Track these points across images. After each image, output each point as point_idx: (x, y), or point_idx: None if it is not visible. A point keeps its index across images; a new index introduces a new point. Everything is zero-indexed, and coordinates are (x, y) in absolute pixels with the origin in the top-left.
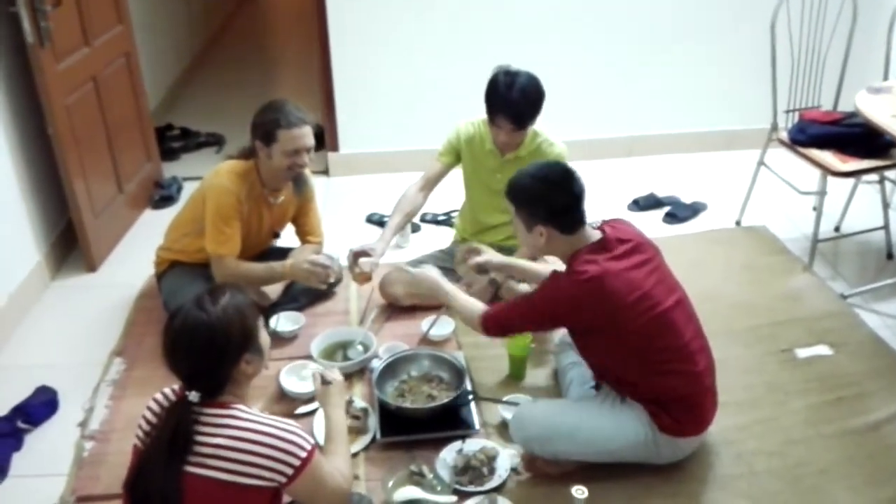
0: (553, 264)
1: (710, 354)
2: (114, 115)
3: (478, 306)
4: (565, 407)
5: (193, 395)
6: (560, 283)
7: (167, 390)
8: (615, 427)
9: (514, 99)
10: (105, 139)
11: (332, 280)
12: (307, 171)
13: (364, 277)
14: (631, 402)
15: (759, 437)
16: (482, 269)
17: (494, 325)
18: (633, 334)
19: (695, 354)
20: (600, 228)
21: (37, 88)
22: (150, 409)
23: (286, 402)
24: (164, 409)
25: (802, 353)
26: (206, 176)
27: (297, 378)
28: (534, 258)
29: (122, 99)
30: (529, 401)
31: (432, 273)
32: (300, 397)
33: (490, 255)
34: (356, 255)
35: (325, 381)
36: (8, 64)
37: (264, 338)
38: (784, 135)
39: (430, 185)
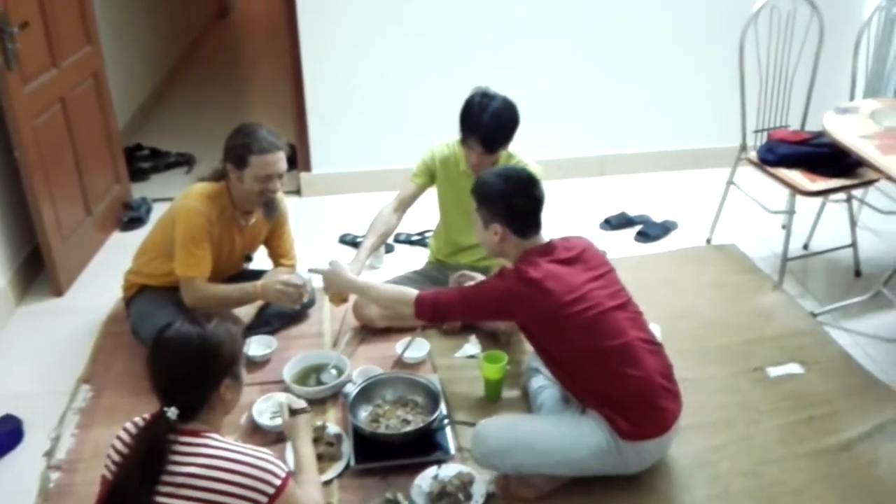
0: None
1: (663, 356)
2: (82, 136)
3: (409, 290)
4: (523, 418)
5: (172, 412)
6: (505, 278)
7: (138, 419)
8: (574, 436)
9: (486, 123)
10: (73, 161)
11: (304, 300)
12: (280, 195)
13: (339, 299)
14: (590, 412)
15: (733, 458)
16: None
17: (429, 308)
18: (573, 333)
19: (639, 355)
20: (551, 240)
21: (3, 111)
22: (119, 438)
23: (260, 435)
24: (135, 437)
25: (774, 371)
26: (177, 198)
27: (270, 408)
28: None
29: (91, 120)
30: (487, 419)
31: (339, 269)
32: (274, 430)
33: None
34: None
35: (293, 412)
36: None
37: (243, 369)
38: (753, 154)
39: (403, 205)
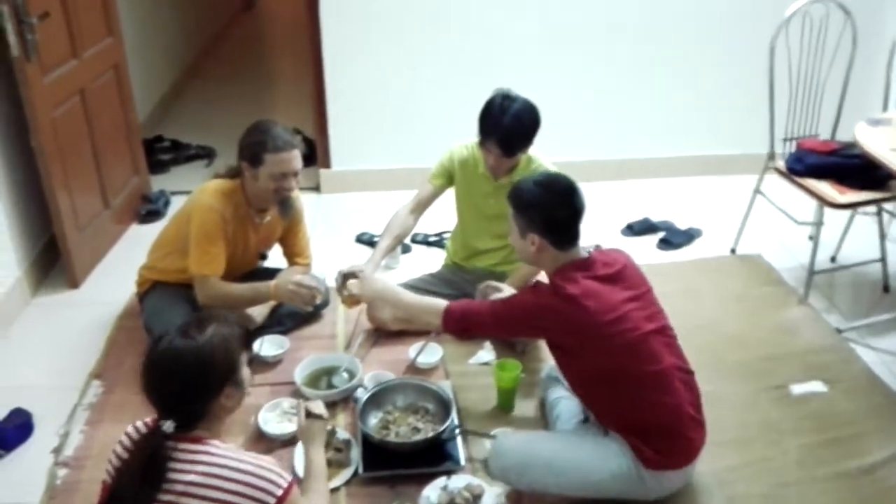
0: None
1: (695, 385)
2: (101, 127)
3: (440, 301)
4: (544, 436)
5: (168, 426)
6: (539, 293)
7: (139, 423)
8: (595, 458)
9: (505, 125)
10: (91, 153)
11: (317, 302)
12: (295, 193)
13: (353, 300)
14: (613, 435)
15: (751, 480)
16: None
17: (458, 318)
18: (608, 356)
19: (673, 383)
20: (589, 252)
21: (22, 102)
22: (121, 443)
23: (265, 442)
24: (135, 443)
25: (797, 389)
26: (192, 194)
27: (276, 417)
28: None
29: (110, 111)
30: (509, 432)
31: (384, 281)
32: (279, 438)
33: (509, 292)
34: (345, 277)
35: (310, 415)
36: None
37: (245, 373)
38: (781, 163)
39: (421, 207)
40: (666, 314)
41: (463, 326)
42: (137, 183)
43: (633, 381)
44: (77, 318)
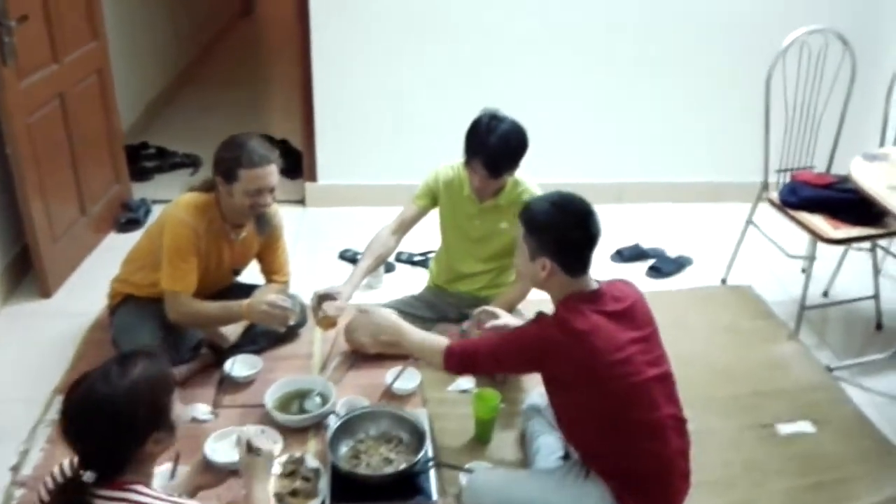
0: None
1: (687, 434)
2: (81, 133)
3: (441, 340)
4: (523, 477)
5: (88, 476)
6: (543, 326)
7: (65, 463)
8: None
9: (492, 145)
10: (70, 159)
11: (291, 323)
12: (274, 208)
13: (328, 322)
14: (595, 479)
15: None
16: (465, 336)
17: (459, 358)
18: (607, 398)
19: (666, 432)
20: (598, 283)
21: None
22: (44, 485)
23: (212, 473)
24: (52, 493)
25: (784, 429)
26: (166, 207)
27: (224, 446)
28: (511, 309)
29: (92, 117)
30: (486, 468)
31: (389, 314)
32: (226, 468)
33: (507, 319)
34: (321, 299)
35: (251, 450)
36: None
37: (178, 412)
38: (774, 195)
39: (403, 228)
40: (668, 358)
41: (464, 367)
42: (118, 190)
43: (625, 427)
44: (47, 329)
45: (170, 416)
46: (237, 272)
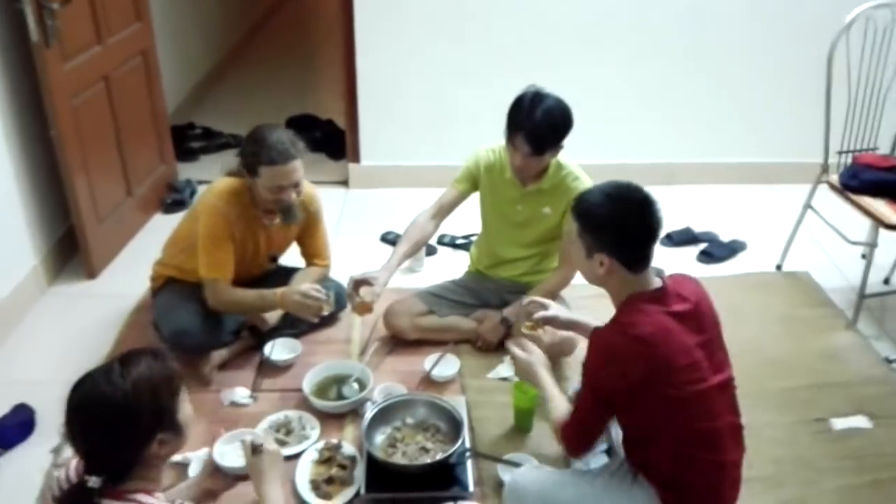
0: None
1: (742, 441)
2: (126, 115)
3: (561, 410)
4: (567, 478)
5: (93, 482)
6: (603, 339)
7: (72, 466)
8: None
9: (536, 119)
10: (115, 141)
11: (325, 313)
12: (312, 192)
13: (364, 307)
14: (642, 483)
15: None
16: (548, 323)
17: (572, 437)
18: (669, 408)
19: (726, 441)
20: (662, 278)
21: (40, 88)
22: (52, 490)
23: (220, 477)
24: (62, 496)
25: (839, 423)
26: (202, 192)
27: (234, 450)
28: (553, 296)
29: (137, 98)
30: (530, 466)
31: (537, 359)
32: (235, 472)
33: (556, 310)
34: (357, 284)
35: (255, 450)
36: (13, 61)
37: (185, 413)
38: (835, 178)
39: (442, 212)
40: (730, 361)
41: (584, 445)
42: (164, 171)
43: (681, 436)
44: (92, 311)
45: (176, 417)
46: (275, 258)
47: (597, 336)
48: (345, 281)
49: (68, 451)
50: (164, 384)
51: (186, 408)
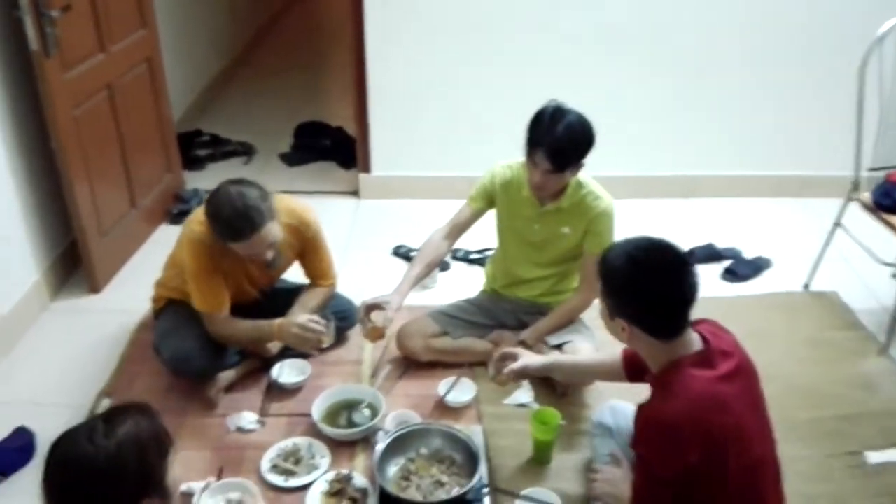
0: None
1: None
2: (131, 124)
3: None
4: None
5: None
6: (653, 414)
7: None
8: None
9: (557, 135)
10: (119, 151)
11: (324, 346)
12: (309, 217)
13: (376, 333)
14: None
15: None
16: (521, 375)
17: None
18: (727, 476)
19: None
20: (697, 330)
21: (40, 99)
22: None
23: None
24: None
25: (873, 457)
26: (187, 220)
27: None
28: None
29: (141, 107)
30: None
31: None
32: None
33: (527, 359)
34: (368, 309)
35: None
36: (12, 70)
37: (174, 479)
38: (866, 195)
39: (456, 231)
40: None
41: None
42: (170, 181)
43: None
44: (95, 327)
45: (163, 481)
46: (266, 293)
47: (645, 413)
48: (354, 297)
49: None
50: (152, 444)
51: (175, 470)
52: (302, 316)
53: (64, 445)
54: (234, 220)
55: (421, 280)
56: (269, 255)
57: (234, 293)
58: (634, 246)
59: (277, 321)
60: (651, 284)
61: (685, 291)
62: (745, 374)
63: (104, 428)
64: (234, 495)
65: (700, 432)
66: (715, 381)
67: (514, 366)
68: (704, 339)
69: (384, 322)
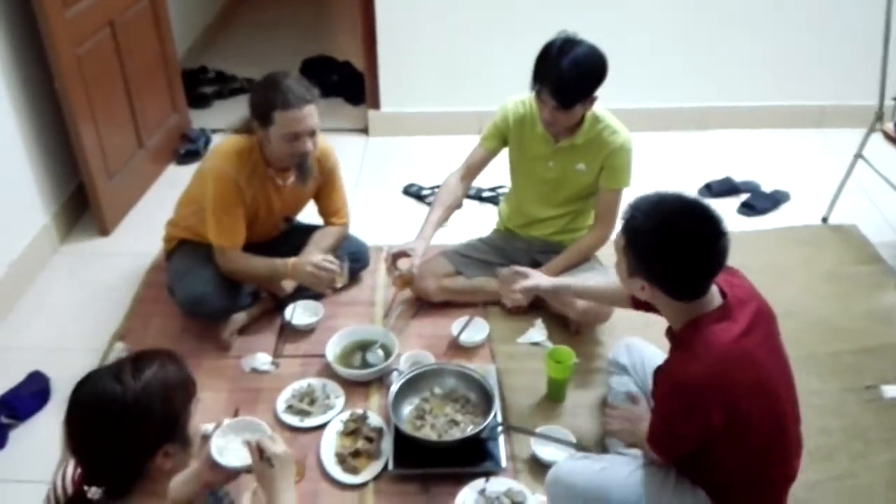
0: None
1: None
2: (134, 63)
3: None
4: (616, 473)
5: (93, 492)
6: (675, 376)
7: (69, 472)
8: None
9: (562, 70)
10: (123, 91)
11: (338, 285)
12: (327, 149)
13: (403, 281)
14: (695, 492)
15: (833, 499)
16: (530, 292)
17: (659, 453)
18: (752, 430)
19: (795, 457)
20: (714, 282)
21: (42, 38)
22: (54, 490)
23: (220, 471)
24: None
25: (890, 391)
26: (209, 152)
27: (233, 444)
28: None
29: (145, 45)
30: (571, 458)
31: (636, 413)
32: (238, 470)
33: (537, 279)
34: (395, 257)
35: (263, 457)
36: (12, 9)
37: (195, 427)
38: (890, 126)
39: (471, 173)
40: (787, 357)
41: (671, 458)
42: (176, 120)
43: (753, 481)
44: (105, 270)
45: (185, 428)
46: (289, 220)
47: (666, 372)
48: (366, 237)
49: None
50: (179, 389)
51: (195, 422)
52: (316, 255)
53: (90, 384)
54: (296, 86)
55: (441, 223)
56: (311, 145)
57: (254, 226)
58: (671, 209)
59: (291, 260)
60: (683, 254)
61: (717, 262)
62: (763, 320)
63: (132, 368)
64: (249, 436)
65: (724, 394)
66: (737, 338)
67: (526, 283)
68: (722, 292)
69: (411, 270)
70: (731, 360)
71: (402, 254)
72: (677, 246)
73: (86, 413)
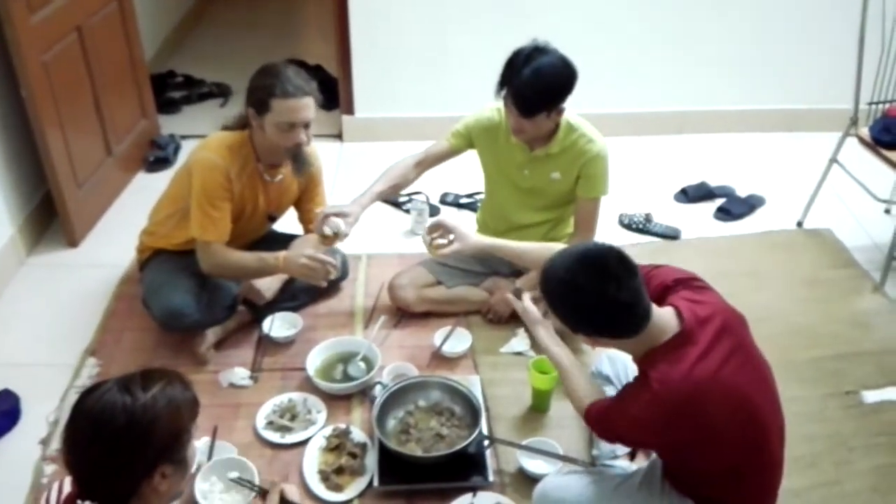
0: None
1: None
2: (102, 68)
3: (582, 391)
4: (602, 491)
5: None
6: (639, 400)
7: (64, 487)
8: None
9: (523, 78)
10: (91, 97)
11: (331, 277)
12: (313, 151)
13: (329, 240)
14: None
15: None
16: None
17: (597, 426)
18: (726, 448)
19: (777, 467)
20: (670, 303)
21: (7, 45)
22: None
23: None
24: None
25: (870, 396)
26: (194, 148)
27: (217, 489)
28: None
29: (113, 49)
30: (557, 472)
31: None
32: None
33: (463, 242)
34: (326, 217)
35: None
36: None
37: (193, 451)
38: (865, 131)
39: (428, 162)
40: (765, 358)
41: (608, 438)
42: (145, 126)
43: (738, 488)
44: (75, 282)
45: (185, 450)
46: (273, 218)
47: (633, 394)
48: (343, 247)
49: (57, 442)
50: (184, 407)
51: (193, 446)
52: (309, 247)
53: (97, 393)
54: (295, 76)
55: (383, 197)
56: (305, 137)
57: (239, 223)
58: (561, 261)
59: (283, 253)
60: (587, 299)
61: (625, 296)
62: (729, 333)
63: (141, 381)
64: (233, 474)
65: (678, 418)
66: (697, 361)
67: (448, 249)
68: (678, 312)
69: (337, 228)
70: (686, 394)
71: (336, 214)
72: (579, 296)
73: (91, 422)
